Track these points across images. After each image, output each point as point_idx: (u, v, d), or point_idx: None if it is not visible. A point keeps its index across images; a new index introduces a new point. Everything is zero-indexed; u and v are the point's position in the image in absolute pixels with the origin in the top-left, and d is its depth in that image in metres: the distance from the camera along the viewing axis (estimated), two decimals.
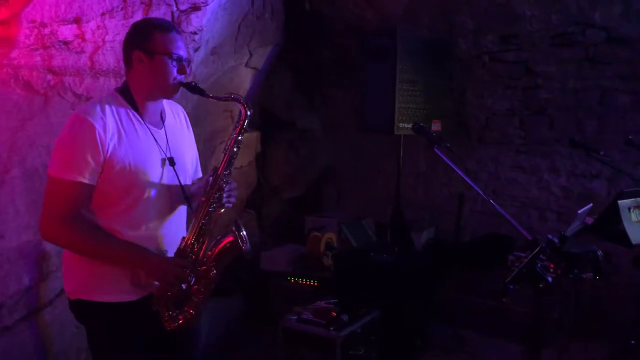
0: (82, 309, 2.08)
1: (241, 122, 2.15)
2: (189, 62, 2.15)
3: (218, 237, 2.14)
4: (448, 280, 4.36)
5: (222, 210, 2.14)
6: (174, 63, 2.04)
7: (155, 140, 2.08)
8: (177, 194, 2.14)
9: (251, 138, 4.68)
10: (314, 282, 4.17)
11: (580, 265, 2.40)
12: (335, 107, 5.20)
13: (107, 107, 2.00)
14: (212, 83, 3.76)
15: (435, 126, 4.29)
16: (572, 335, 3.58)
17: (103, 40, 3.00)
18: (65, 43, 2.93)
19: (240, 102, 2.15)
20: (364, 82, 4.06)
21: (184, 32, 3.14)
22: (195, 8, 3.13)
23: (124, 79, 3.05)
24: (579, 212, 2.54)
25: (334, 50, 4.96)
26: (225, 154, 2.13)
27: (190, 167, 2.26)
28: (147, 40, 2.03)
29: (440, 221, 4.90)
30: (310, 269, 4.31)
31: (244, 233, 2.13)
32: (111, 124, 1.98)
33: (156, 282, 2.03)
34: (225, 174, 2.12)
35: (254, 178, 4.96)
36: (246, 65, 4.11)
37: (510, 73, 4.45)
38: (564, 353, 3.12)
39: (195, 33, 3.18)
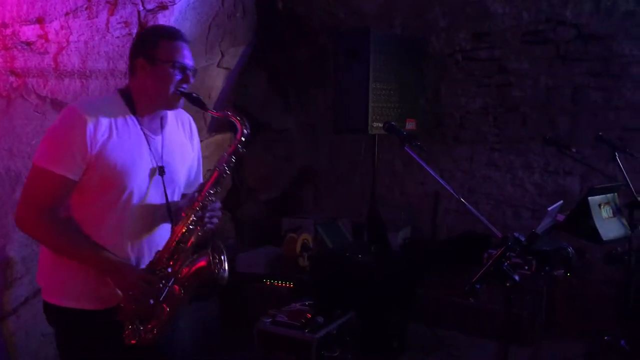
0: (51, 312, 2.04)
1: (237, 141, 2.07)
2: (195, 71, 2.06)
3: (194, 257, 2.04)
4: (425, 280, 4.35)
5: (204, 229, 2.03)
6: (177, 72, 1.97)
7: (149, 146, 2.02)
8: (161, 206, 2.06)
9: (225, 139, 4.62)
10: (290, 284, 4.14)
11: (552, 262, 2.39)
12: (311, 107, 5.17)
13: (104, 106, 1.96)
14: None
15: (410, 125, 4.28)
16: (547, 333, 3.59)
17: (67, 41, 2.94)
18: (28, 44, 2.88)
19: (238, 122, 2.07)
20: (338, 82, 4.04)
21: None
22: (162, 7, 3.08)
23: (90, 80, 3.04)
24: (549, 209, 2.53)
25: (309, 49, 4.93)
26: (214, 172, 2.05)
27: (182, 180, 2.16)
28: (151, 48, 1.97)
29: (416, 220, 4.90)
30: (286, 271, 4.27)
31: (225, 257, 2.03)
32: (104, 122, 1.92)
33: (120, 293, 1.97)
34: (210, 192, 2.03)
35: (229, 179, 4.91)
36: (218, 65, 4.06)
37: (483, 71, 4.46)
38: (537, 351, 3.12)
39: None
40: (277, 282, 4.18)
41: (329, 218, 4.79)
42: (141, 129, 2.02)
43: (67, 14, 2.90)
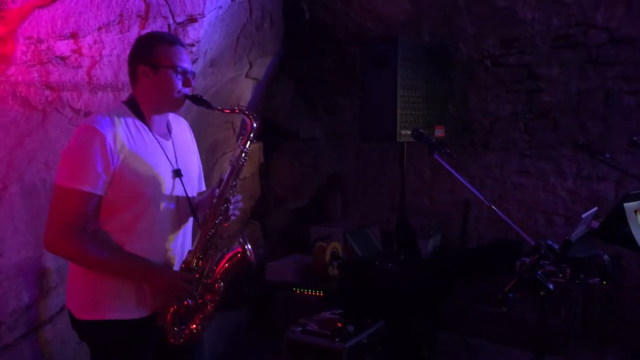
0: (86, 328, 2.05)
1: (247, 134, 2.14)
2: (194, 74, 2.14)
3: (224, 250, 2.11)
4: (456, 288, 4.30)
5: (228, 223, 2.11)
6: (179, 76, 2.03)
7: (164, 151, 2.07)
8: (184, 206, 2.11)
9: (254, 149, 4.66)
10: (319, 293, 4.14)
11: (586, 270, 2.35)
12: (338, 115, 5.19)
13: (116, 118, 1.99)
14: (212, 95, 3.75)
15: (439, 132, 4.26)
16: (582, 342, 3.51)
17: (100, 55, 2.99)
18: (62, 58, 2.93)
19: (246, 114, 2.14)
20: (366, 90, 4.04)
21: None
22: (192, 20, 3.12)
23: (122, 93, 3.09)
24: (583, 216, 2.49)
25: (336, 58, 4.95)
26: (231, 166, 2.12)
27: (196, 179, 2.24)
28: (151, 54, 2.03)
29: (446, 228, 4.86)
30: (315, 280, 4.27)
31: (249, 246, 2.13)
32: (121, 134, 1.97)
33: (161, 296, 2.01)
34: (231, 186, 2.10)
35: (257, 189, 4.94)
36: (246, 76, 4.10)
37: (512, 77, 4.42)
38: None
39: (192, 45, 3.18)
40: (307, 291, 4.18)
41: (357, 226, 4.78)
42: (153, 135, 2.06)
43: (99, 28, 2.96)
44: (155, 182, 2.02)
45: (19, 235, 2.65)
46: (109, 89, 3.03)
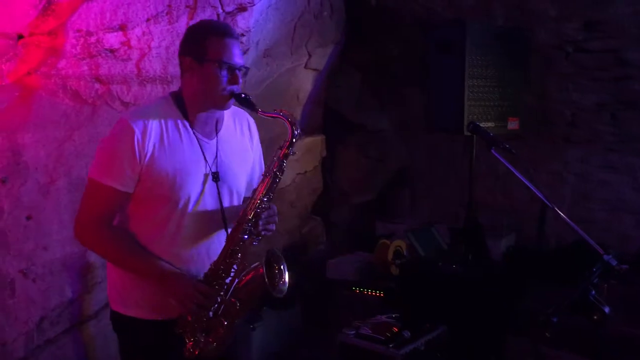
0: (115, 320, 2.05)
1: (287, 144, 1.98)
2: (246, 70, 2.00)
3: (249, 268, 1.96)
4: (529, 292, 3.99)
5: (260, 239, 1.97)
6: (225, 72, 1.90)
7: (203, 152, 1.95)
8: (216, 214, 1.99)
9: (315, 142, 4.53)
10: (379, 293, 3.95)
11: None
12: (406, 106, 4.94)
13: (154, 112, 1.92)
14: (268, 86, 3.64)
15: (512, 124, 3.95)
16: None
17: (149, 47, 2.95)
18: (112, 51, 2.91)
19: (288, 121, 1.97)
20: (431, 79, 3.81)
21: None
22: (242, 9, 3.02)
23: (170, 85, 3.04)
24: None
25: (403, 46, 4.70)
26: (266, 178, 1.96)
27: (242, 184, 2.09)
28: (198, 46, 1.91)
29: (521, 227, 4.51)
30: (377, 279, 4.08)
31: (284, 266, 1.95)
32: (153, 129, 1.88)
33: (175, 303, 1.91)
34: (263, 200, 1.94)
35: (319, 183, 4.81)
36: (305, 66, 3.96)
37: (597, 64, 4.01)
38: None
39: (242, 35, 3.08)
40: (367, 291, 4.00)
41: (425, 223, 4.55)
42: (194, 133, 1.94)
43: (148, 20, 2.91)
44: (184, 184, 1.91)
45: (64, 229, 2.66)
46: (157, 81, 2.99)
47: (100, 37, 2.87)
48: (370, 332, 3.17)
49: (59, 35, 2.84)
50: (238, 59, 1.93)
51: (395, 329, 3.18)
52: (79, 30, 2.83)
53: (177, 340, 1.92)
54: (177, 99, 1.97)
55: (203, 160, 1.95)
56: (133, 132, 1.84)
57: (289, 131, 1.97)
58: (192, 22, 2.97)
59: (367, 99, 5.01)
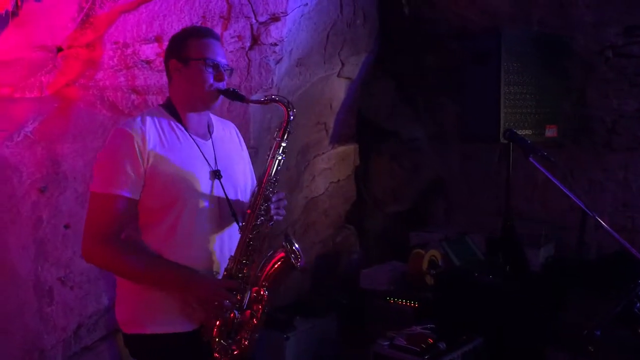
0: (136, 343, 1.99)
1: (284, 126, 2.01)
2: (231, 70, 2.05)
3: (269, 253, 1.98)
4: (569, 305, 3.88)
5: (272, 224, 1.99)
6: (210, 69, 1.95)
7: (201, 151, 1.98)
8: (225, 209, 1.99)
9: (349, 151, 4.51)
10: (414, 304, 3.89)
11: None
12: (441, 114, 4.89)
13: (148, 118, 1.94)
14: (301, 95, 3.65)
15: (550, 132, 3.88)
16: None
17: None
18: (148, 62, 2.96)
19: (282, 104, 2.01)
20: (466, 87, 3.79)
21: (264, 44, 3.05)
22: (275, 19, 3.04)
23: None
24: None
25: (438, 54, 4.66)
26: (269, 161, 1.99)
27: (241, 181, 2.11)
28: (181, 48, 1.98)
29: (560, 237, 4.40)
30: (411, 289, 4.03)
31: (297, 247, 1.97)
32: (152, 134, 1.91)
33: (206, 307, 1.89)
34: (271, 182, 1.97)
35: (352, 192, 4.79)
36: (338, 75, 3.95)
37: (637, 69, 3.90)
38: None
39: (275, 44, 3.09)
40: (401, 301, 3.95)
41: (460, 233, 4.48)
42: (189, 135, 1.97)
43: None
44: (190, 183, 1.92)
45: None
46: None
47: (136, 49, 2.92)
48: (405, 343, 3.13)
49: (97, 47, 2.90)
50: (221, 57, 1.99)
51: (431, 340, 3.13)
52: (115, 42, 2.89)
53: (206, 351, 1.90)
54: (167, 106, 2.02)
55: (203, 160, 1.97)
56: (132, 138, 1.87)
57: (285, 113, 2.00)
58: (226, 33, 3.01)
59: (401, 107, 4.97)
